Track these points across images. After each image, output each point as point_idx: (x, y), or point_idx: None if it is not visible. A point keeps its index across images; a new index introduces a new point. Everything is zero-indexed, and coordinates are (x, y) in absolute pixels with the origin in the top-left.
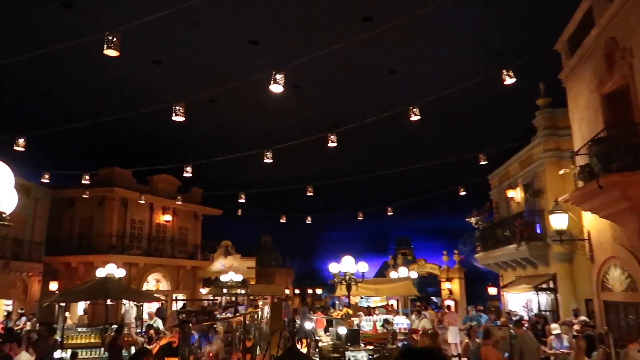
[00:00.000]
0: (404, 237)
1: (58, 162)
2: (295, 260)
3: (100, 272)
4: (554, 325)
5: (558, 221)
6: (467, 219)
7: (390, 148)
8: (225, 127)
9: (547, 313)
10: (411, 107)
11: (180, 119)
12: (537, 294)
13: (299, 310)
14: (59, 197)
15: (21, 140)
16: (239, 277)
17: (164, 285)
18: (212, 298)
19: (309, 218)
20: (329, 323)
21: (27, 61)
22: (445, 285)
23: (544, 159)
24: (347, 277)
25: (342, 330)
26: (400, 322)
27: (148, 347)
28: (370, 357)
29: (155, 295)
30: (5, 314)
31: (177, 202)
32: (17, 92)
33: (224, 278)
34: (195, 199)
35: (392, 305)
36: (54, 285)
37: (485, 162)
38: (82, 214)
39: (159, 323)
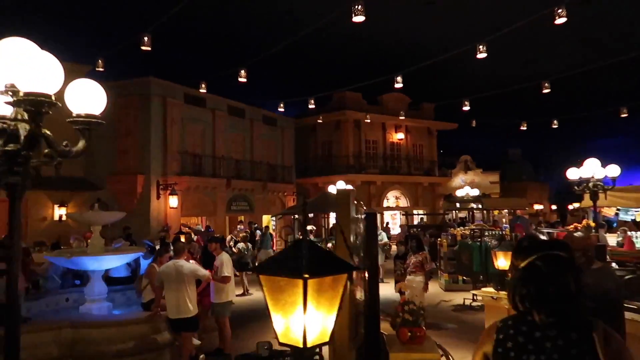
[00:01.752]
0: None
1: (295, 92)
2: (554, 174)
3: (332, 189)
4: None
5: None
6: None
7: None
8: (443, 33)
9: None
10: None
11: (361, 18)
12: None
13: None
14: (301, 125)
15: (242, 72)
16: (474, 192)
17: (403, 202)
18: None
19: (555, 122)
20: None
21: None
22: None
23: None
24: (590, 184)
25: None
26: None
27: None
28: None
29: (372, 209)
30: (273, 226)
31: (401, 117)
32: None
33: (459, 193)
34: (427, 114)
35: None
36: None
37: None
38: (322, 138)
39: (383, 236)
